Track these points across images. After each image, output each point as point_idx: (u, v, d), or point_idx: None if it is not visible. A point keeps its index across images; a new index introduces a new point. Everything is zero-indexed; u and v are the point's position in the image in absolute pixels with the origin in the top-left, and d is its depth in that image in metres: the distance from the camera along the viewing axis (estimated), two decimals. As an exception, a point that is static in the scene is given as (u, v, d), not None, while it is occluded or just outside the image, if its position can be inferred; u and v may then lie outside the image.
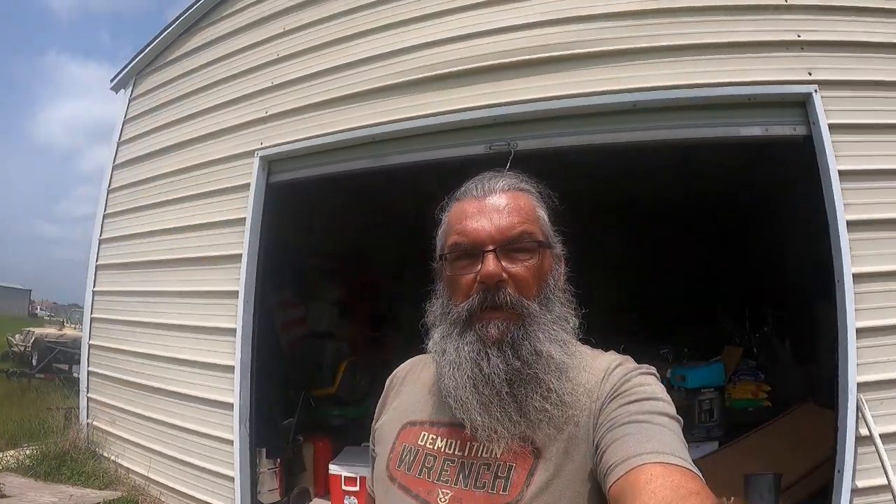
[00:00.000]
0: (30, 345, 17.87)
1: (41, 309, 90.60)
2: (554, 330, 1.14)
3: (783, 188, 6.73)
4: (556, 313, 1.18)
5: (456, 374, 1.12)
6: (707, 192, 8.09)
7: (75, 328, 20.91)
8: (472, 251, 1.14)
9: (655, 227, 10.26)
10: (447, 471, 1.14)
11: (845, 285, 3.52)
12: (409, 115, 4.61)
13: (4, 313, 68.85)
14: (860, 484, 3.45)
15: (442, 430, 1.21)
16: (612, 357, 1.22)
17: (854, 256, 3.53)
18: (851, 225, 3.56)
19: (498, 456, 1.10)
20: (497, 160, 4.06)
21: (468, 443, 1.15)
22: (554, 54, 4.20)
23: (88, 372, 7.02)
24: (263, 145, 5.34)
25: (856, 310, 3.50)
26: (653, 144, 4.31)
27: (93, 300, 7.08)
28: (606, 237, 10.56)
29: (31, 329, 19.90)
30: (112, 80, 7.58)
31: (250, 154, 5.37)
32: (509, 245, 1.13)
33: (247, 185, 5.29)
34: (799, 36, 3.82)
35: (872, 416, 3.41)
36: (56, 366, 14.17)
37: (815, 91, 3.73)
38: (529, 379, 1.09)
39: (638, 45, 4.04)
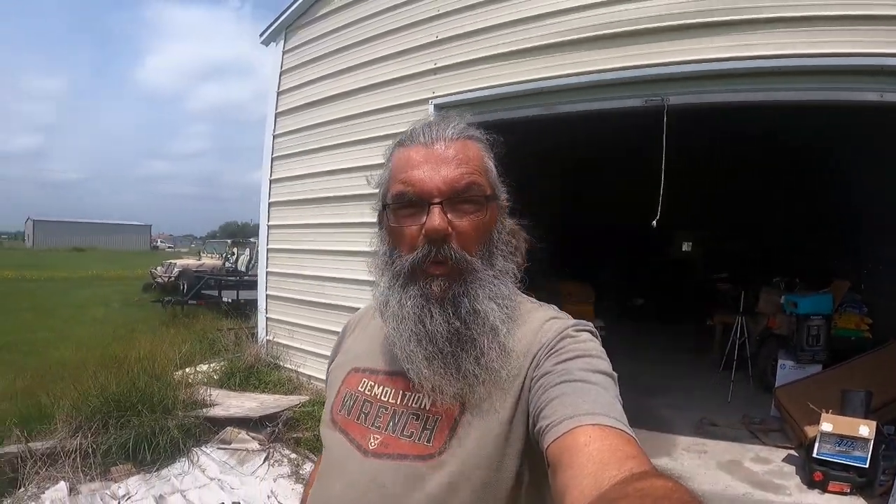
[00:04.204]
0: (174, 275, 19.30)
1: (161, 242, 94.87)
2: (494, 285, 1.14)
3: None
4: (499, 267, 1.17)
5: (400, 327, 1.13)
6: (834, 136, 8.32)
7: (212, 257, 22.51)
8: (418, 202, 1.11)
9: (784, 169, 10.72)
10: (380, 417, 1.18)
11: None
12: (573, 71, 5.02)
13: (129, 248, 72.77)
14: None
15: (380, 377, 1.25)
16: (547, 312, 1.24)
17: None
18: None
19: (427, 408, 1.14)
20: (652, 113, 4.69)
21: (402, 392, 1.19)
22: (704, 20, 4.51)
23: (267, 295, 7.96)
24: (435, 94, 5.87)
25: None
26: (786, 104, 4.70)
27: (268, 233, 7.93)
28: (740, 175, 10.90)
29: (173, 261, 21.32)
30: (261, 35, 8.27)
31: (424, 102, 5.91)
32: (456, 197, 1.11)
33: (424, 131, 5.78)
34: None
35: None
36: (205, 292, 15.34)
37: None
38: (466, 340, 1.10)
39: (780, 14, 4.29)
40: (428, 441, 1.10)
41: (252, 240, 22.57)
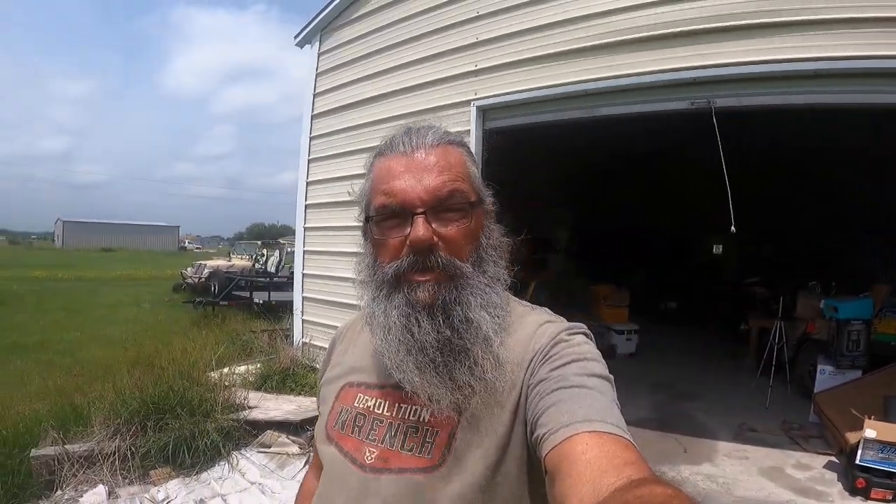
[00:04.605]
0: (204, 276, 19.57)
1: (188, 243, 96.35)
2: (486, 292, 1.11)
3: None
4: (490, 273, 1.15)
5: (388, 337, 1.10)
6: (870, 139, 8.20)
7: (242, 258, 22.70)
8: (401, 212, 1.08)
9: (818, 172, 10.63)
10: (375, 430, 1.16)
11: None
12: (618, 73, 4.99)
13: (157, 249, 73.82)
14: None
15: (373, 391, 1.23)
16: (541, 315, 1.22)
17: None
18: None
19: (426, 420, 1.12)
20: (699, 115, 4.66)
21: (397, 404, 1.16)
22: (751, 22, 4.46)
23: (303, 297, 7.99)
24: (478, 95, 5.83)
25: None
26: (830, 107, 4.63)
27: (304, 235, 7.95)
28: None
29: (203, 262, 21.66)
30: (296, 37, 8.29)
31: (466, 104, 5.87)
32: (440, 206, 1.08)
33: (466, 132, 5.75)
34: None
35: None
36: (236, 293, 15.51)
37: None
38: (459, 350, 1.07)
39: (827, 17, 4.24)
40: (429, 454, 1.09)
41: (282, 241, 22.66)
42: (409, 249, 1.07)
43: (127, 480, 4.69)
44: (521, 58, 5.56)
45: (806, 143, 9.13)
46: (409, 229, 1.06)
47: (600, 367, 1.05)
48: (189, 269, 21.58)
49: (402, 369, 1.08)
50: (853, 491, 4.81)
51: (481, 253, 1.14)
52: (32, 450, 4.75)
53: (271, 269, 20.19)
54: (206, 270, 19.97)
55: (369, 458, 1.13)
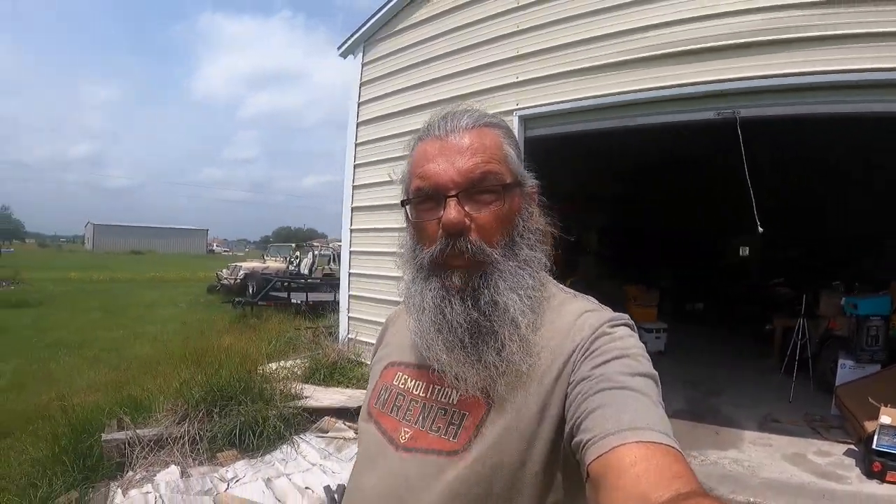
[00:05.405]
0: (239, 277, 19.98)
1: (216, 246, 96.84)
2: (518, 276, 1.10)
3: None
4: (523, 257, 1.13)
5: (421, 317, 1.13)
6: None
7: (276, 260, 23.19)
8: (435, 196, 1.09)
9: (838, 180, 10.84)
10: (411, 410, 1.17)
11: None
12: (651, 86, 5.30)
13: (186, 252, 74.28)
14: None
15: (412, 371, 1.24)
16: (582, 304, 1.20)
17: None
18: None
19: (455, 402, 1.12)
20: (724, 125, 4.98)
21: (431, 385, 1.17)
22: (774, 38, 4.74)
23: (349, 295, 8.30)
24: (519, 106, 6.15)
25: None
26: (849, 116, 4.88)
27: (350, 237, 8.28)
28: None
29: (238, 264, 22.21)
30: (339, 48, 8.64)
31: (509, 113, 6.16)
32: (473, 188, 1.08)
33: (509, 140, 6.05)
34: None
35: None
36: (273, 294, 15.87)
37: None
38: (486, 331, 1.08)
39: (845, 32, 4.50)
40: (454, 437, 1.09)
41: (315, 244, 23.02)
42: (442, 232, 1.07)
43: (197, 462, 5.02)
44: (559, 70, 5.86)
45: (830, 151, 9.33)
46: (442, 212, 1.07)
47: (645, 363, 1.03)
48: (224, 270, 22.12)
49: (431, 348, 1.11)
50: (870, 474, 5.05)
51: (515, 236, 1.13)
52: (102, 434, 5.06)
53: (304, 270, 20.60)
54: (242, 272, 20.41)
55: (404, 437, 1.15)
